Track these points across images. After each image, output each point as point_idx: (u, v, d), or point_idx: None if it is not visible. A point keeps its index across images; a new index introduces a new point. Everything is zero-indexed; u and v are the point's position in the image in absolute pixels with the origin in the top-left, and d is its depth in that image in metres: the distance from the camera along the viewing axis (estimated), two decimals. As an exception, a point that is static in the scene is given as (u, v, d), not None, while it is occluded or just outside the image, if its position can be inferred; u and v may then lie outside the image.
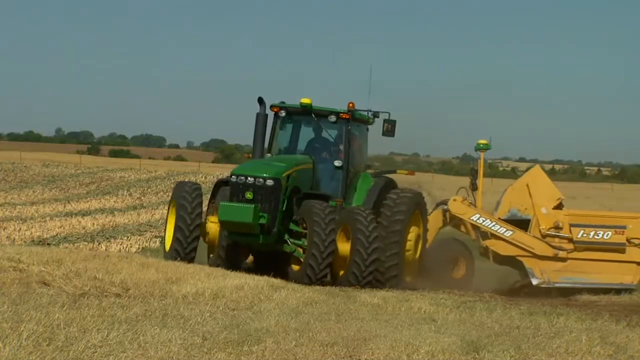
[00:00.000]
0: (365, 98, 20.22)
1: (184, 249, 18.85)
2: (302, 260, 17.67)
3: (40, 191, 58.86)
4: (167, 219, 20.36)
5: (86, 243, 28.30)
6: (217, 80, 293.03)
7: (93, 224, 35.86)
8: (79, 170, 74.48)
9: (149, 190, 62.76)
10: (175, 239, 19.01)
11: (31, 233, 30.76)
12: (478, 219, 20.53)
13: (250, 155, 19.56)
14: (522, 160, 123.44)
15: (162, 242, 20.81)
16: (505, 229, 20.31)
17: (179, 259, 18.35)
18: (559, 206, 20.74)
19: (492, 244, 20.50)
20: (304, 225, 17.82)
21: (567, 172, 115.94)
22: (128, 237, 31.63)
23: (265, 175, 17.90)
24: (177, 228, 19.05)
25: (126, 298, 12.38)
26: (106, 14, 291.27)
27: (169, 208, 20.43)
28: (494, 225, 20.41)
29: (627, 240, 20.36)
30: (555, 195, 20.79)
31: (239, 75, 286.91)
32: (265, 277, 16.34)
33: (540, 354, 10.08)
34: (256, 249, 18.47)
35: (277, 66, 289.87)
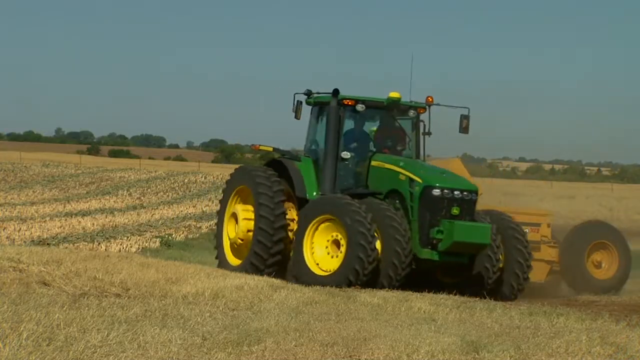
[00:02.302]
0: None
1: (267, 259, 17.76)
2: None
3: (40, 191, 58.83)
4: (223, 218, 18.98)
5: (86, 243, 28.31)
6: (217, 80, 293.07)
7: (93, 224, 35.86)
8: (79, 170, 74.45)
9: (149, 190, 62.74)
10: (255, 246, 17.82)
11: (31, 233, 30.76)
12: None
13: (276, 155, 18.76)
14: (522, 160, 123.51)
15: (219, 250, 19.03)
16: None
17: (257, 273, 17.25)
18: None
19: None
20: None
21: (567, 172, 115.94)
22: (128, 237, 31.65)
23: (470, 188, 17.07)
24: (257, 232, 17.79)
25: (126, 298, 12.38)
26: (106, 14, 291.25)
27: (226, 203, 18.98)
28: None
29: (541, 237, 20.51)
30: None
31: (239, 75, 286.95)
32: (265, 277, 16.34)
33: (540, 354, 10.07)
34: (451, 267, 17.28)
35: (276, 66, 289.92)
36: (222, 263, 18.74)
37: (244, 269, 17.52)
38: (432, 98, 18.40)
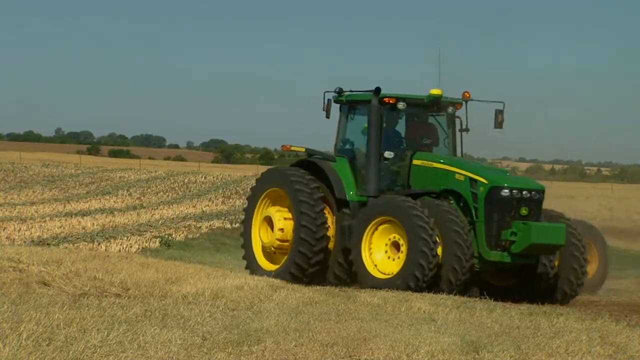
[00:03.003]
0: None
1: (307, 269, 17.38)
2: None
3: (40, 191, 58.84)
4: (252, 221, 18.52)
5: (86, 243, 28.30)
6: (217, 80, 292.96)
7: (93, 224, 35.86)
8: (78, 170, 74.46)
9: (149, 190, 62.76)
10: (296, 257, 17.38)
11: (31, 233, 30.76)
12: None
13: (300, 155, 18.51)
14: (522, 160, 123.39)
15: (248, 254, 18.62)
16: None
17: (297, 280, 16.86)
18: None
19: None
20: None
21: (567, 172, 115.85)
22: (128, 237, 31.64)
23: (538, 187, 16.74)
24: (299, 242, 17.31)
25: (126, 298, 12.38)
26: (106, 14, 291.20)
27: (255, 205, 18.55)
28: None
29: None
30: None
31: (239, 75, 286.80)
32: (265, 278, 16.33)
33: (540, 354, 10.07)
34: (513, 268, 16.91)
35: (276, 66, 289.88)
36: (253, 267, 18.29)
37: (281, 276, 17.10)
38: (469, 93, 18.13)
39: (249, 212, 18.64)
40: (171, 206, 50.09)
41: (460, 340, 10.34)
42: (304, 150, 18.54)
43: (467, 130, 18.28)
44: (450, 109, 18.07)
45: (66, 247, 25.01)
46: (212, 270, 16.65)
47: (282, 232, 17.83)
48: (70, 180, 67.06)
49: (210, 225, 38.47)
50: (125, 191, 60.82)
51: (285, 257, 17.79)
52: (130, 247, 28.69)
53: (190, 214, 45.01)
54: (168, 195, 59.32)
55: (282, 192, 17.88)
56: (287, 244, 17.79)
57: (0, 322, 9.28)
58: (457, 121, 18.28)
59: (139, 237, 31.66)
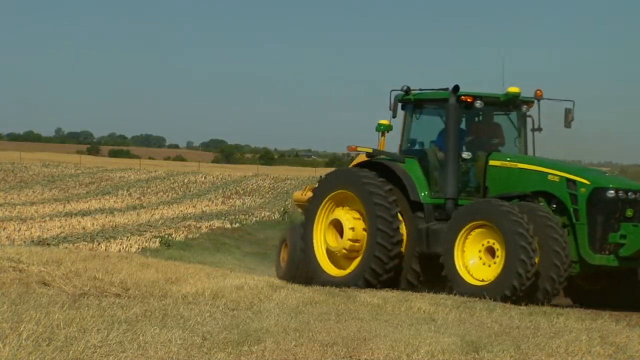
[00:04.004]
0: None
1: (382, 275, 16.79)
2: None
3: (40, 191, 58.87)
4: (314, 223, 17.80)
5: (86, 243, 28.28)
6: (217, 80, 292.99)
7: (93, 224, 35.86)
8: (78, 170, 74.54)
9: (149, 190, 62.81)
10: (372, 262, 16.77)
11: (31, 233, 30.74)
12: None
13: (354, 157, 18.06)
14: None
15: (310, 258, 17.90)
16: None
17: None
18: None
19: None
20: None
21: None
22: (128, 237, 31.62)
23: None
24: (374, 247, 16.73)
25: (126, 298, 12.38)
26: (106, 14, 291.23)
27: (318, 207, 17.84)
28: None
29: None
30: None
31: (239, 75, 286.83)
32: (265, 277, 16.32)
33: (540, 354, 10.07)
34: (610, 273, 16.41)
35: (276, 66, 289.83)
36: (317, 273, 17.71)
37: (351, 282, 16.75)
38: (541, 92, 17.59)
39: (310, 214, 17.98)
40: (171, 206, 50.10)
41: (460, 340, 10.34)
42: (371, 150, 17.82)
43: (539, 129, 17.77)
44: (524, 108, 17.58)
45: (66, 247, 24.99)
46: (212, 270, 16.67)
47: (353, 236, 17.20)
48: (70, 180, 67.12)
49: (210, 225, 38.47)
50: (125, 191, 60.86)
51: (355, 262, 17.20)
52: (130, 247, 28.67)
53: (190, 214, 45.02)
54: (168, 195, 59.35)
55: (351, 195, 17.29)
56: (358, 247, 17.19)
57: (0, 322, 9.29)
58: (529, 120, 17.75)
59: (139, 237, 31.63)
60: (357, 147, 17.99)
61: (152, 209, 46.91)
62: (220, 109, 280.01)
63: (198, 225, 38.24)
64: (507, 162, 16.92)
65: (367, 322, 11.63)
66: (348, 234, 17.21)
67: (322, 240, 17.77)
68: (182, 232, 35.03)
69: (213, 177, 73.16)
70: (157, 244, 30.12)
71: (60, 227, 33.84)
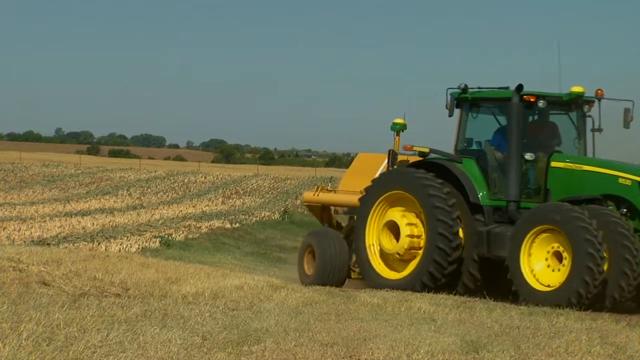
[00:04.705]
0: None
1: (440, 279, 16.50)
2: None
3: (40, 191, 58.83)
4: (366, 223, 17.43)
5: (86, 243, 28.24)
6: (217, 81, 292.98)
7: (93, 224, 35.81)
8: (78, 170, 74.49)
9: (149, 190, 62.77)
10: (430, 265, 16.46)
11: (31, 233, 30.70)
12: None
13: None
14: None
15: (362, 261, 17.56)
16: None
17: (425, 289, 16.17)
18: None
19: None
20: None
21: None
22: (128, 237, 31.57)
23: None
24: (434, 251, 16.41)
25: (126, 298, 12.38)
26: (106, 14, 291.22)
27: (371, 207, 17.45)
28: None
29: None
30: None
31: (239, 75, 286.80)
32: (265, 277, 16.33)
33: (540, 353, 10.08)
34: None
35: (276, 66, 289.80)
36: (371, 276, 17.43)
37: (408, 285, 16.49)
38: (602, 91, 17.25)
39: (362, 214, 17.63)
40: (171, 206, 50.06)
41: (460, 340, 10.35)
42: (427, 150, 17.38)
43: (600, 130, 17.37)
44: (585, 108, 17.21)
45: (66, 247, 24.96)
46: (212, 270, 16.65)
47: (412, 238, 16.91)
48: (70, 180, 67.08)
49: (210, 225, 38.42)
50: (125, 191, 60.82)
51: (412, 265, 16.94)
52: (130, 247, 28.62)
53: (190, 214, 44.97)
54: (168, 195, 59.30)
55: (407, 195, 16.99)
56: (415, 251, 16.92)
57: (0, 322, 9.29)
58: (588, 120, 17.38)
59: (138, 237, 31.58)
60: (413, 146, 17.52)
61: (152, 209, 46.85)
62: (220, 109, 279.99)
63: (198, 225, 38.20)
64: (571, 164, 16.57)
65: (367, 322, 11.63)
66: (405, 237, 16.94)
67: (375, 242, 17.53)
68: (182, 232, 34.99)
69: (213, 177, 73.10)
70: (157, 244, 30.08)
71: (60, 227, 33.80)
